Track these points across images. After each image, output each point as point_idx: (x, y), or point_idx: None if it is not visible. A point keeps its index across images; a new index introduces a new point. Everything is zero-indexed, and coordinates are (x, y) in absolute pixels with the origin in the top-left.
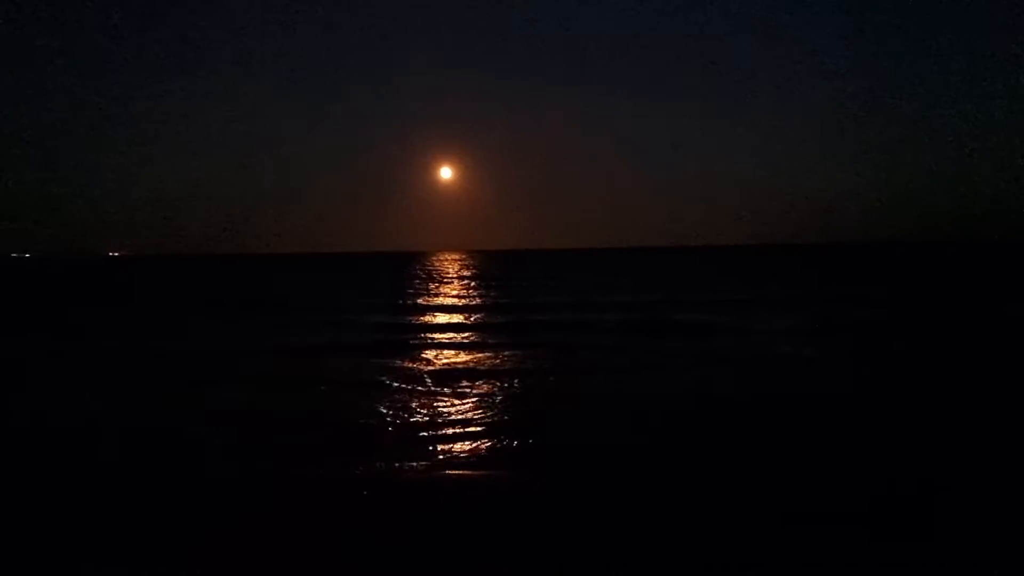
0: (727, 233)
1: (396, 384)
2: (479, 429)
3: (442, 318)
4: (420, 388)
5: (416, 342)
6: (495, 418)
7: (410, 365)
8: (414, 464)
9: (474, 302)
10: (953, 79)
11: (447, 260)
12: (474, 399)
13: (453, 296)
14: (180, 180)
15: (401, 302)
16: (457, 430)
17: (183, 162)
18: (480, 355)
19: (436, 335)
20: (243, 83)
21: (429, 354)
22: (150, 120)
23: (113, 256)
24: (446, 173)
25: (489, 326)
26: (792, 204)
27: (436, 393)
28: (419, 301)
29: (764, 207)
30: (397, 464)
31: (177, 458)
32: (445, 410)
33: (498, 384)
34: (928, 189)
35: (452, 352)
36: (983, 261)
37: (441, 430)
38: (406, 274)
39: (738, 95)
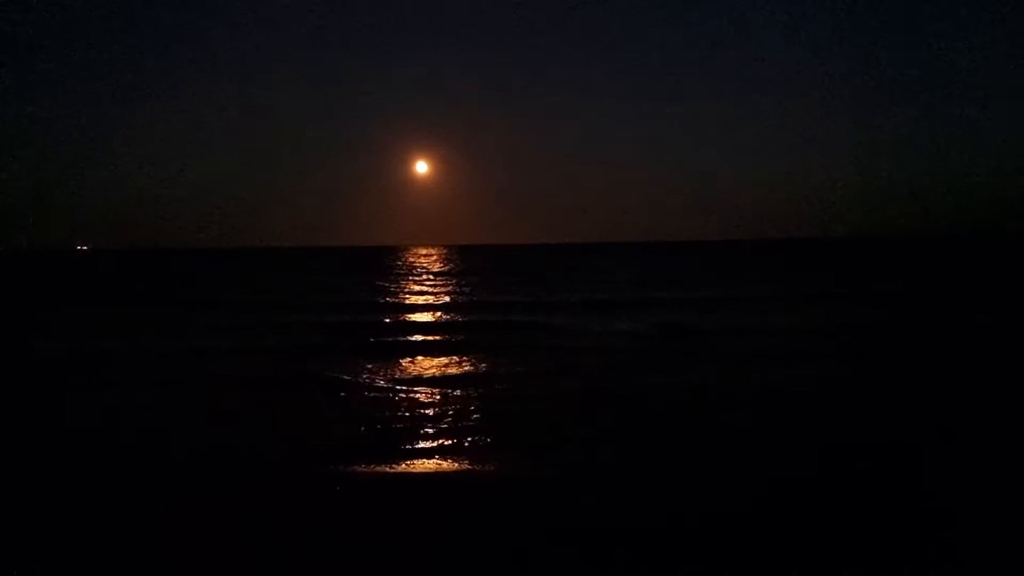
0: (727, 230)
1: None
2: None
3: (411, 317)
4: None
5: (365, 344)
6: (439, 427)
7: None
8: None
9: (445, 300)
10: (955, 79)
11: (423, 255)
12: (417, 406)
13: (426, 294)
14: (157, 175)
15: (364, 300)
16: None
17: (162, 158)
18: (438, 359)
19: (395, 337)
20: (225, 79)
21: (384, 358)
22: (131, 115)
23: (82, 250)
24: (422, 167)
25: (450, 327)
26: (791, 201)
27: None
28: (384, 300)
29: (763, 204)
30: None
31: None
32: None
33: (445, 393)
34: (928, 186)
35: (417, 355)
36: (986, 257)
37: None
38: (376, 268)
39: (738, 94)
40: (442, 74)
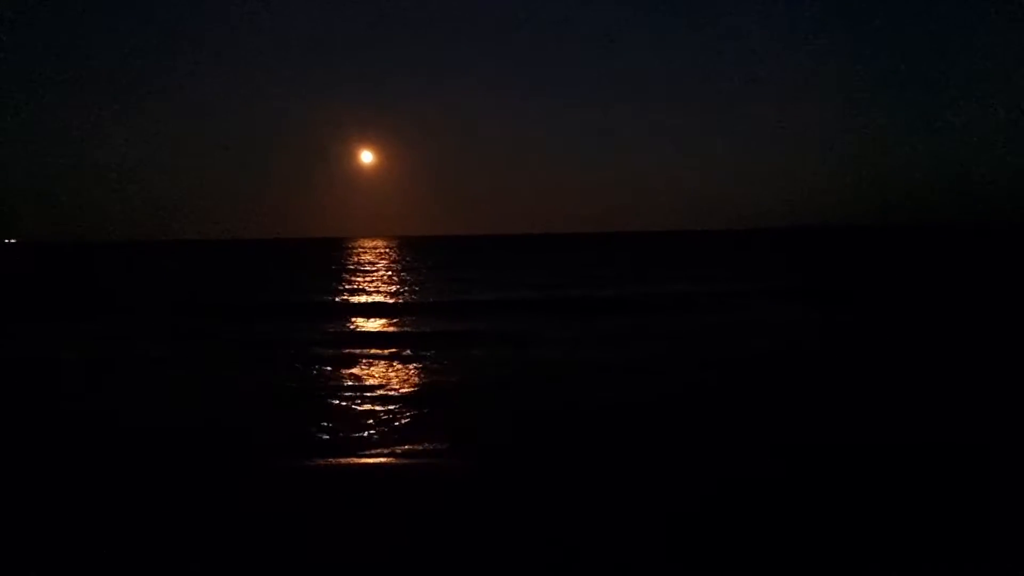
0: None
1: None
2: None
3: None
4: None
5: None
6: None
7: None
8: None
9: (381, 300)
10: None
11: (371, 247)
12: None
13: (360, 293)
14: (97, 168)
15: (295, 301)
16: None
17: (105, 151)
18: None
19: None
20: (169, 65)
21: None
22: (66, 107)
23: (9, 243)
24: (367, 157)
25: (388, 334)
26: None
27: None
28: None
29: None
30: None
31: None
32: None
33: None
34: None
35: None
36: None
37: None
38: (320, 263)
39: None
40: (389, 64)
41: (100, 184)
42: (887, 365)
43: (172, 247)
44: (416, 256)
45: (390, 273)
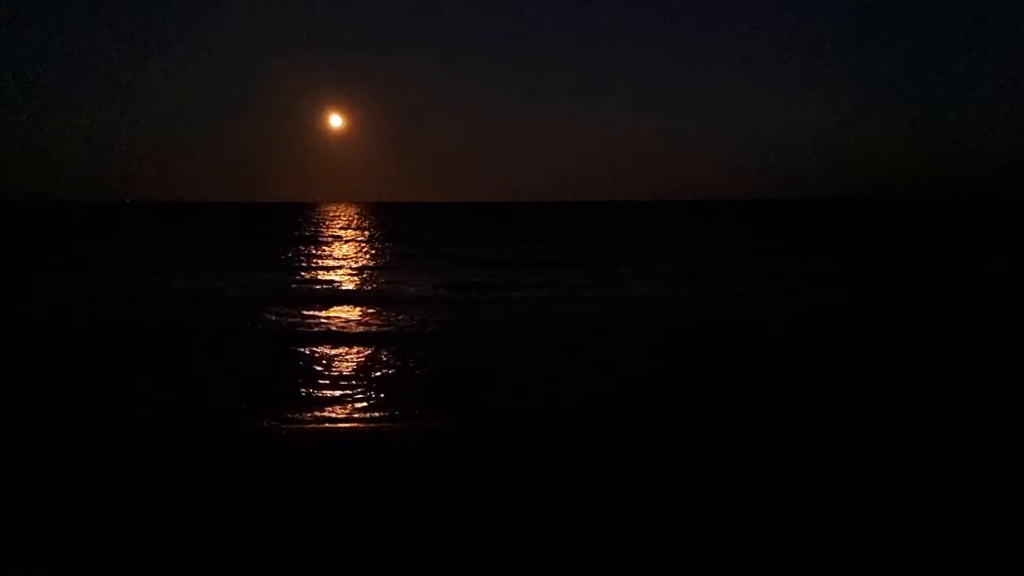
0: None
1: None
2: None
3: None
4: None
5: None
6: None
7: None
8: None
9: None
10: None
11: (338, 214)
12: None
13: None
14: (49, 121)
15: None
16: None
17: (55, 104)
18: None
19: None
20: (127, 25)
21: None
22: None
23: None
24: (336, 121)
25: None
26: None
27: None
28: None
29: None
30: None
31: None
32: None
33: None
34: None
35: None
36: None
37: None
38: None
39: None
40: (363, 23)
41: (49, 143)
42: None
43: (130, 209)
44: (378, 223)
45: (354, 243)
